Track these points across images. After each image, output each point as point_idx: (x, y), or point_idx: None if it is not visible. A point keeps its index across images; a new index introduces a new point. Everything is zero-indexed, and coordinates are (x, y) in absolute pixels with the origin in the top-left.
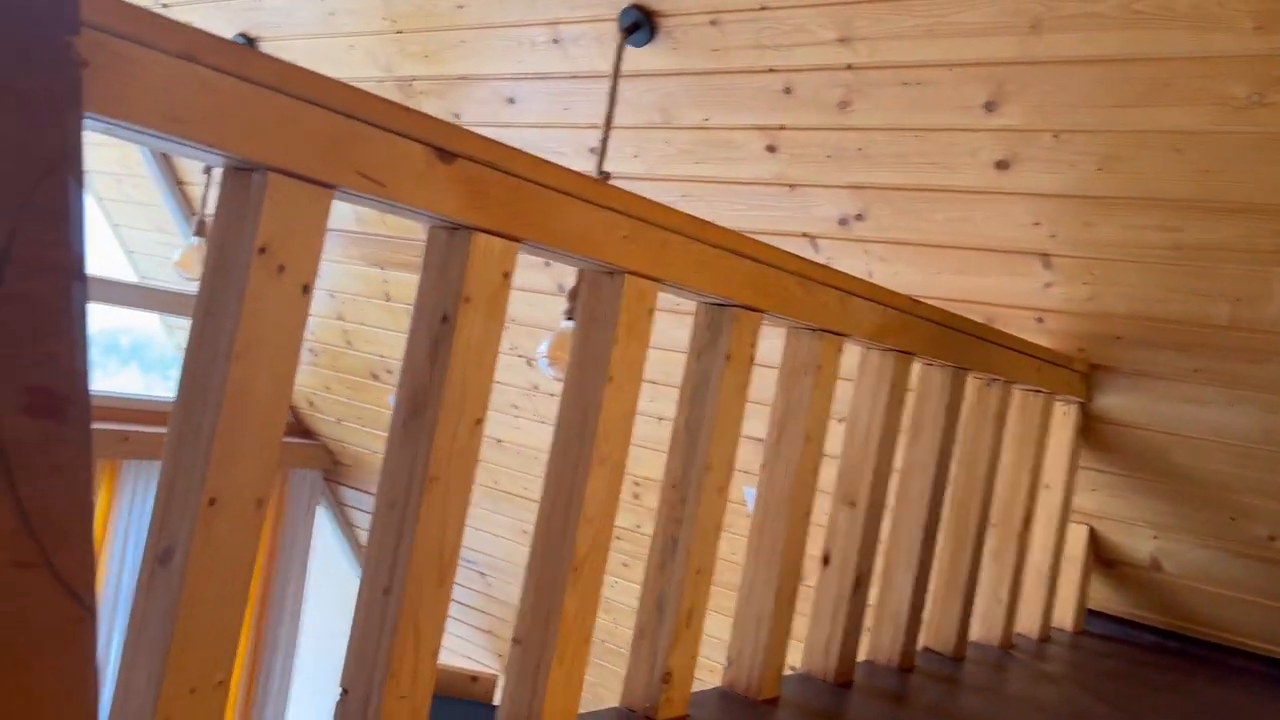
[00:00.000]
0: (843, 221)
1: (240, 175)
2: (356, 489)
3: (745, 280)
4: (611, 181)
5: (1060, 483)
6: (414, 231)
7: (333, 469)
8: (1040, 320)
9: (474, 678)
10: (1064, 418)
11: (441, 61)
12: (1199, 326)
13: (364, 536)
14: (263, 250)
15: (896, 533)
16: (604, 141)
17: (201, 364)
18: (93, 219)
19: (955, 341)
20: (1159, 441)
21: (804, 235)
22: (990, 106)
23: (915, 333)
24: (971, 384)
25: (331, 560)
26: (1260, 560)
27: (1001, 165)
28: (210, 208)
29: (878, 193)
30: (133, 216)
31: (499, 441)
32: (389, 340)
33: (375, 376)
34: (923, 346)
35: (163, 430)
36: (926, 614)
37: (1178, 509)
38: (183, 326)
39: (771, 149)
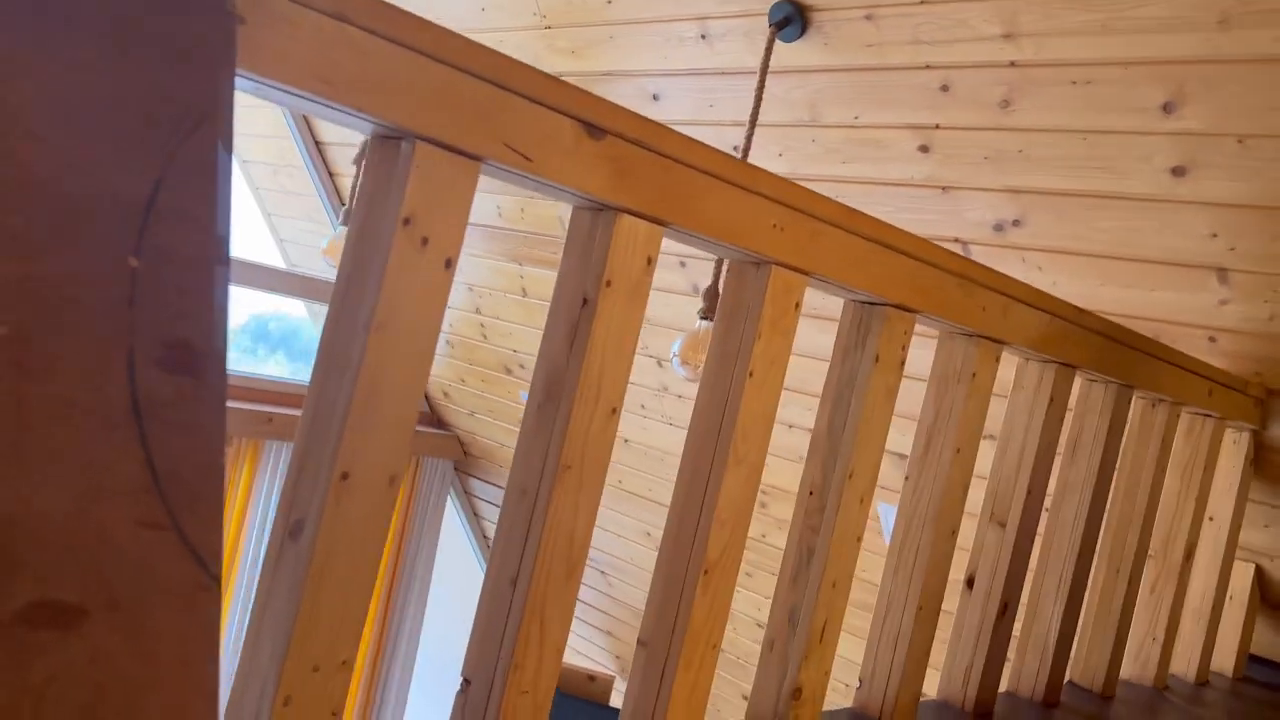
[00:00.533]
0: (998, 227)
1: (388, 144)
2: (486, 481)
3: (900, 277)
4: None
5: (1227, 515)
6: (552, 228)
7: (463, 460)
8: (1213, 340)
9: (592, 677)
10: (1234, 446)
11: (588, 57)
12: None
13: (491, 529)
14: (407, 221)
15: (1046, 558)
16: (748, 138)
17: (340, 335)
18: (247, 206)
19: (1122, 356)
20: None
21: (955, 240)
22: (1168, 108)
23: (1080, 344)
24: (1136, 403)
25: (458, 551)
26: None
27: (1178, 171)
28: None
29: (1038, 197)
30: (286, 206)
31: (625, 441)
32: (524, 335)
33: (509, 371)
34: (1087, 359)
35: None
36: (1075, 647)
37: None
38: None
39: (924, 149)
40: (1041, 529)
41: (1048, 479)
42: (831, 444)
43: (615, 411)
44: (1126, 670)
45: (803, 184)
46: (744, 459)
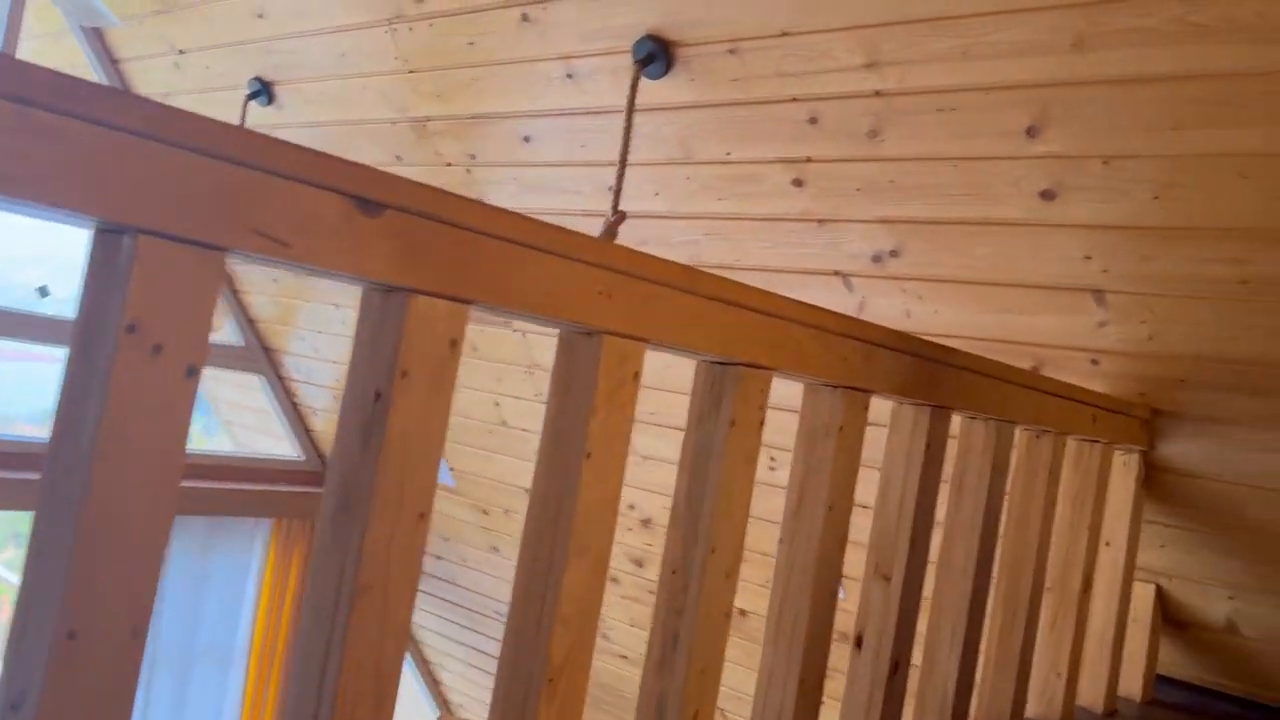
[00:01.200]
0: (876, 258)
1: (107, 239)
2: None
3: (749, 335)
4: (630, 221)
5: (1122, 539)
6: None
7: None
8: (1095, 362)
9: None
10: (1124, 468)
11: (455, 100)
12: (1276, 367)
13: None
14: (132, 328)
15: (939, 606)
16: (619, 180)
17: (60, 469)
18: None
19: (998, 392)
20: (1233, 494)
21: (836, 273)
22: (1032, 132)
23: (952, 384)
24: (1020, 436)
25: None
26: None
27: (1047, 195)
28: None
29: (912, 227)
30: None
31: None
32: None
33: None
34: (961, 400)
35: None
36: (975, 694)
37: (1255, 568)
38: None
39: (798, 183)
40: (931, 575)
41: (930, 527)
42: (691, 517)
43: (424, 517)
44: (1032, 709)
45: (681, 222)
46: (588, 548)
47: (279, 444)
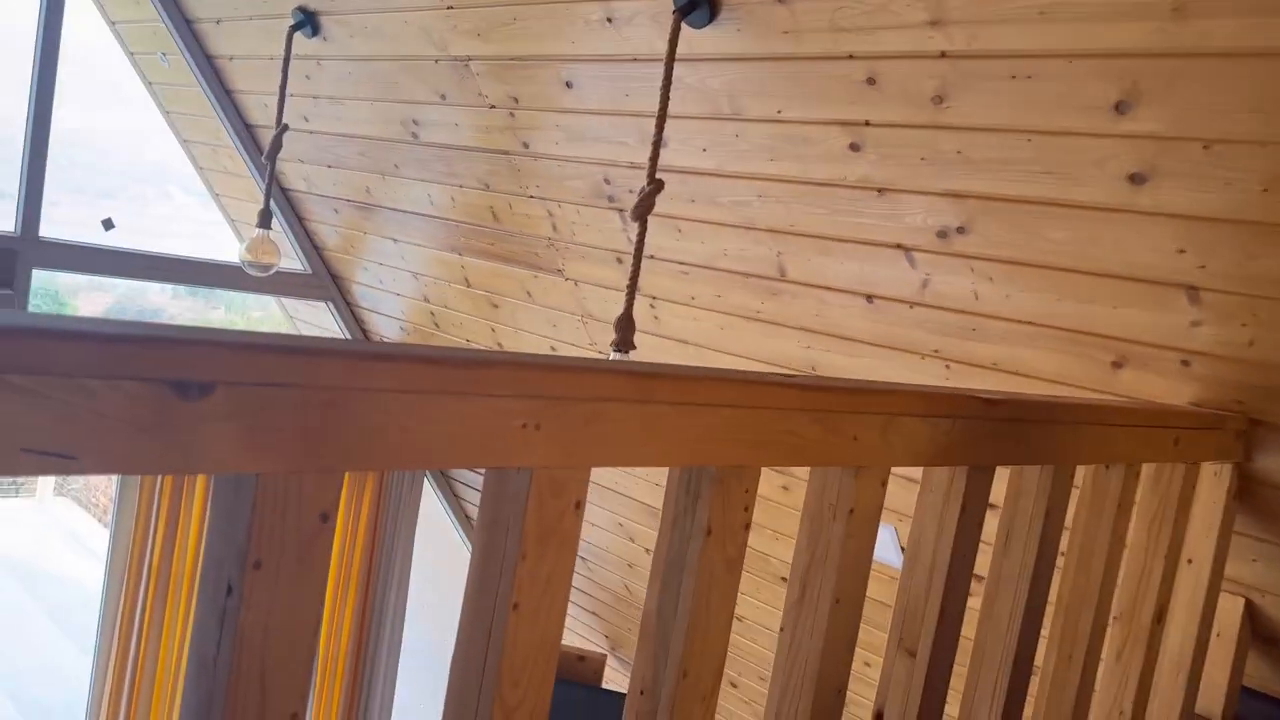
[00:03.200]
0: (941, 234)
1: None
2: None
3: (727, 436)
4: (679, 175)
5: (1208, 554)
6: (484, 218)
7: None
8: (1186, 364)
9: (581, 657)
10: (1214, 479)
11: (494, 40)
12: None
13: (472, 509)
14: None
15: (978, 661)
16: (656, 142)
17: None
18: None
19: (1055, 437)
20: None
21: (898, 246)
22: (1121, 108)
23: (995, 440)
24: (1083, 473)
25: (439, 531)
26: None
27: (1136, 179)
28: (273, 200)
29: (982, 203)
30: (231, 187)
31: None
32: (473, 326)
33: None
34: (1007, 455)
35: None
36: None
37: None
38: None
39: (855, 147)
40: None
41: (965, 598)
42: (662, 633)
43: (296, 716)
44: None
45: (730, 181)
46: (516, 709)
47: None
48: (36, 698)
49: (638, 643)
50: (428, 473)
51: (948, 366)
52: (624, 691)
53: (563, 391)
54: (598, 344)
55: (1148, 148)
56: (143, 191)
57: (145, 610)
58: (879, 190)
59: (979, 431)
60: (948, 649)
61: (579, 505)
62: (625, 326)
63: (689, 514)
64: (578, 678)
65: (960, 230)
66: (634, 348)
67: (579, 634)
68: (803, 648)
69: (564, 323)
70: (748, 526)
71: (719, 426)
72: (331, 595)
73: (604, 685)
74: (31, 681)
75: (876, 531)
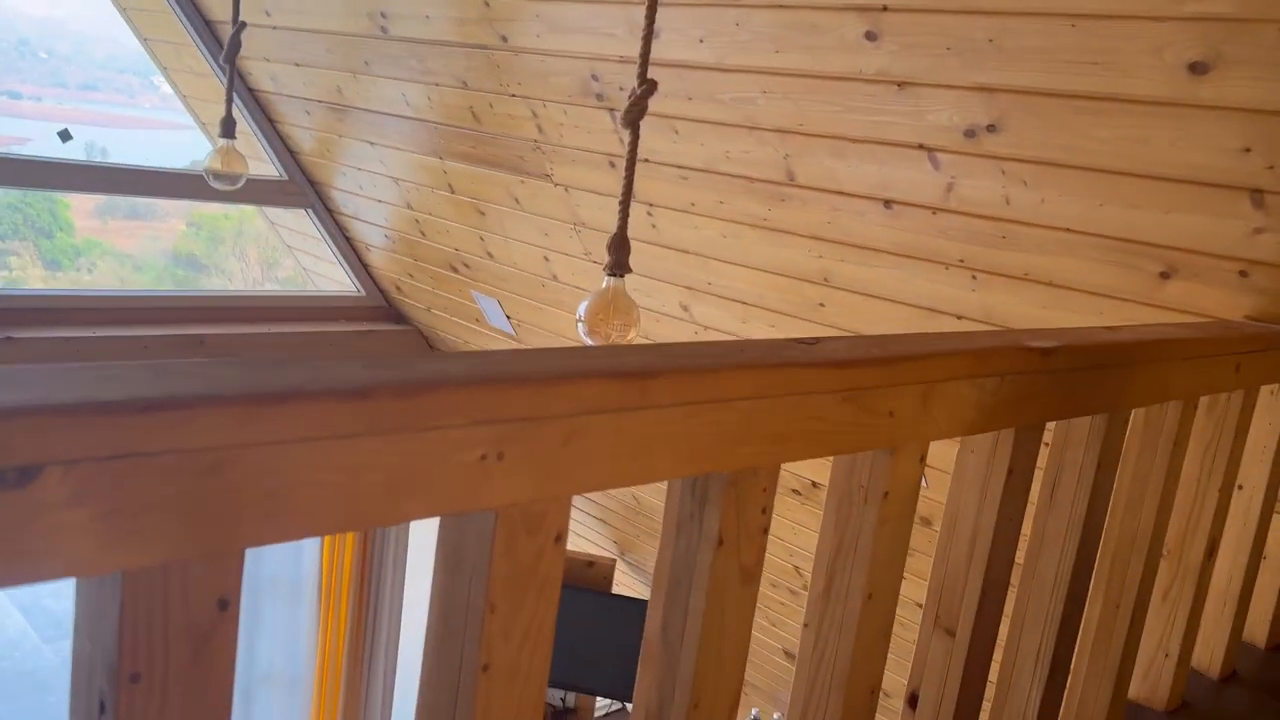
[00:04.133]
0: (969, 133)
1: None
2: None
3: (743, 431)
4: (674, 71)
5: (1261, 480)
6: (464, 119)
7: (430, 353)
8: (1244, 274)
9: (590, 563)
10: (1271, 400)
11: None
12: None
13: None
14: None
15: (1017, 633)
16: (646, 36)
17: None
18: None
19: (1112, 381)
20: None
21: (919, 147)
22: None
23: (1047, 394)
24: (1136, 415)
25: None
26: None
27: (1197, 68)
28: (235, 104)
29: (1017, 97)
30: (199, 88)
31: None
32: (460, 233)
33: (454, 269)
34: (1059, 407)
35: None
36: (1064, 702)
37: None
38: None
39: (872, 36)
40: (1014, 583)
41: (1009, 573)
42: (668, 657)
43: None
44: (1136, 689)
45: (731, 76)
46: None
47: (337, 279)
48: (47, 609)
49: (639, 667)
50: None
51: (974, 277)
52: (634, 596)
53: (529, 411)
54: (593, 254)
55: (1214, 32)
56: (129, 83)
57: None
58: (899, 84)
59: (1030, 387)
60: (990, 626)
61: (560, 538)
62: (619, 248)
63: (695, 520)
64: (587, 583)
65: (990, 129)
66: (629, 270)
67: (588, 539)
68: (830, 644)
69: (556, 231)
70: (766, 530)
71: (731, 424)
72: (324, 602)
73: (613, 590)
74: (43, 591)
75: (913, 516)
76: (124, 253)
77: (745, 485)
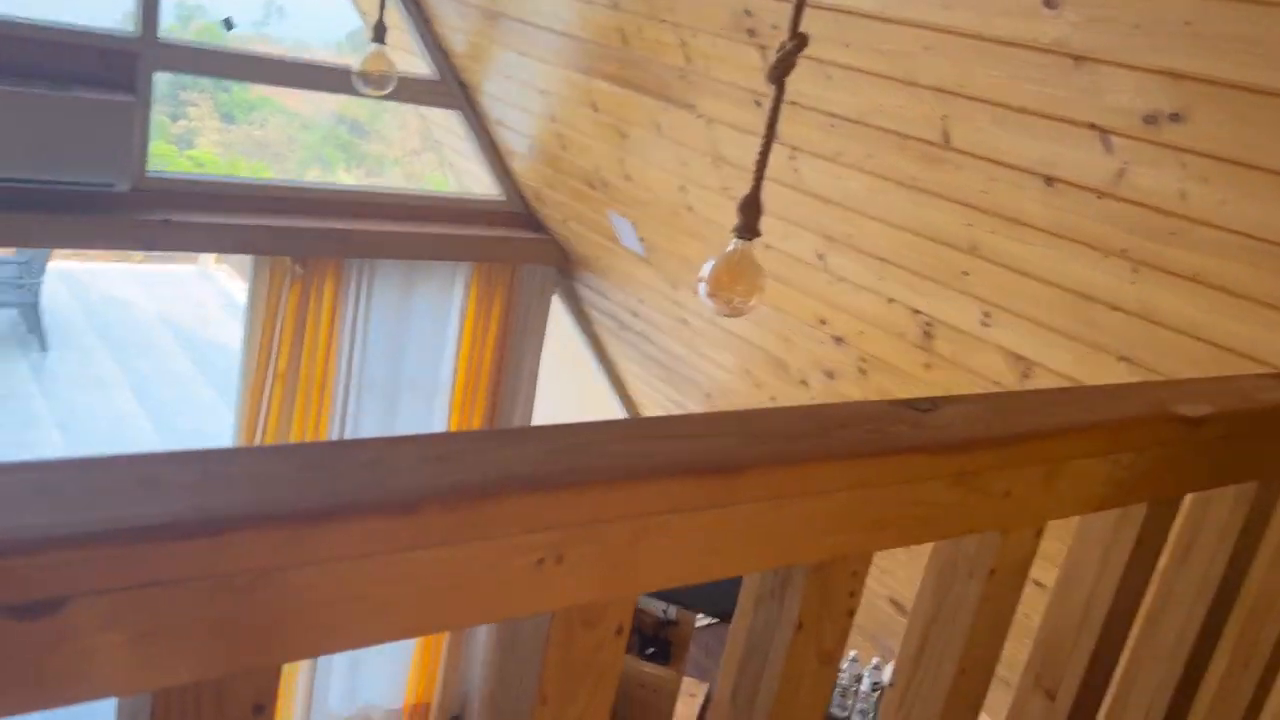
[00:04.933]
0: (1150, 119)
1: None
2: (592, 289)
3: (836, 523)
4: (830, 19)
5: None
6: (612, 39)
7: (566, 265)
8: None
9: None
10: None
11: None
12: None
13: (603, 330)
14: None
15: (1125, 695)
16: None
17: None
18: None
19: (1268, 452)
20: None
21: (1091, 127)
22: None
23: (1190, 468)
24: None
25: (568, 347)
26: None
27: None
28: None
29: (1207, 88)
30: None
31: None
32: (599, 151)
33: (591, 186)
34: (1203, 480)
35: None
36: None
37: None
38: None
39: (1051, 4)
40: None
41: (1123, 642)
42: None
43: None
44: None
45: (892, 27)
46: None
47: (482, 181)
48: (177, 426)
49: None
50: (558, 289)
51: (1135, 270)
52: None
53: (594, 515)
54: (730, 189)
55: None
56: None
57: (269, 416)
58: (1076, 58)
59: (1172, 459)
60: (1096, 691)
61: (621, 630)
62: (750, 211)
63: (775, 600)
64: None
65: (1174, 117)
66: (759, 234)
67: (657, 399)
68: (915, 712)
69: (695, 163)
70: (852, 613)
71: (823, 516)
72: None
73: None
74: (176, 410)
75: (1021, 591)
76: (294, 111)
77: (833, 573)
